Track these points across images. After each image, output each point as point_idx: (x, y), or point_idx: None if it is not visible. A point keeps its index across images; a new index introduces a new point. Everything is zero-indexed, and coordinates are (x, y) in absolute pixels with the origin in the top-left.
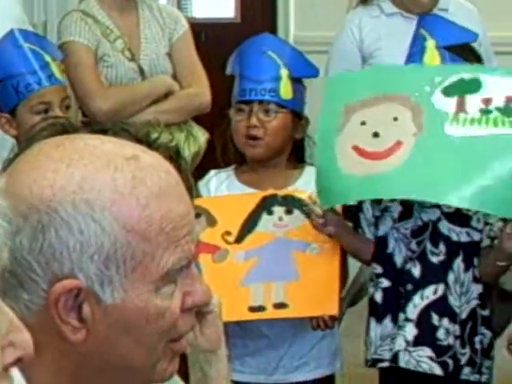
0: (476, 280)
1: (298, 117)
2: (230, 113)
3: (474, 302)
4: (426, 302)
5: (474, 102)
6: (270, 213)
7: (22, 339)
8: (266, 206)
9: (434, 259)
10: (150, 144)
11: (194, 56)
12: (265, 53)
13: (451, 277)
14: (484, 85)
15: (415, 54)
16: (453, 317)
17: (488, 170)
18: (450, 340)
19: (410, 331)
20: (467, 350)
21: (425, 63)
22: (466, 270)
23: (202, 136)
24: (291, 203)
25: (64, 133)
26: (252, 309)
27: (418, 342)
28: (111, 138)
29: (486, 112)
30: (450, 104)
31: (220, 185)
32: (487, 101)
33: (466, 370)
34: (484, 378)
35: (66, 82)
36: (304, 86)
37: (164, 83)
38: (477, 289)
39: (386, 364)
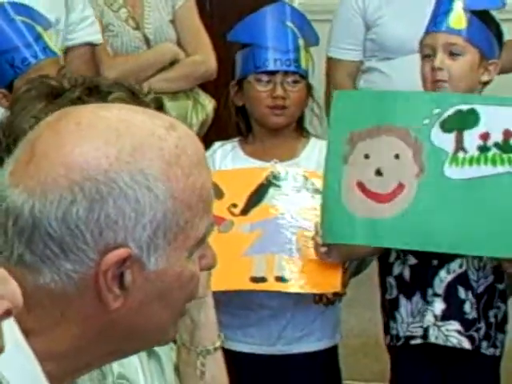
0: None
1: (309, 86)
2: (248, 88)
3: (491, 277)
4: (452, 275)
5: (471, 139)
6: (278, 187)
7: (9, 291)
8: (274, 180)
9: None
10: (144, 94)
11: (197, 23)
12: (283, 22)
13: None
14: (481, 117)
15: (441, 14)
16: (472, 291)
17: (491, 214)
18: (474, 313)
19: (438, 306)
20: (482, 324)
21: (449, 25)
22: None
23: (209, 104)
24: (300, 182)
25: (52, 93)
26: (253, 279)
27: (446, 316)
28: (138, 108)
29: (484, 149)
30: (448, 141)
31: (225, 157)
32: (485, 136)
33: (484, 344)
34: (498, 351)
35: (59, 53)
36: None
37: (169, 51)
38: (492, 262)
39: (418, 341)
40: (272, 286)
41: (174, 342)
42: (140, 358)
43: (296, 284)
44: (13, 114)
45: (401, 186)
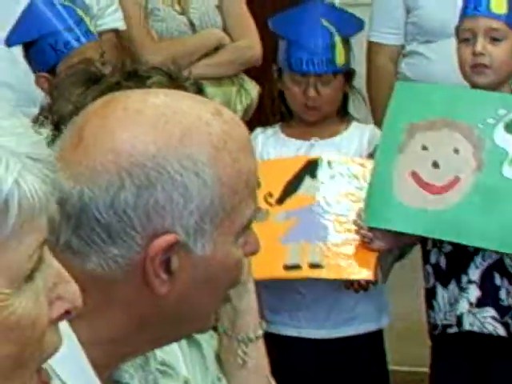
0: None
1: (349, 73)
2: (285, 81)
3: None
4: (488, 261)
5: None
6: (314, 176)
7: (70, 291)
8: (310, 169)
9: None
10: (184, 79)
11: (243, 8)
12: (319, 21)
13: None
14: None
15: None
16: (509, 277)
17: None
18: (510, 300)
19: (473, 293)
20: None
21: (490, 9)
22: None
23: (253, 89)
24: (335, 169)
25: (91, 79)
26: (287, 267)
27: (481, 303)
28: (184, 93)
29: None
30: (510, 142)
31: (266, 140)
32: None
33: None
34: None
35: (98, 37)
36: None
37: (215, 36)
38: None
39: (454, 329)
40: (305, 272)
41: (215, 329)
42: (181, 346)
43: (330, 270)
44: (52, 99)
45: (456, 180)
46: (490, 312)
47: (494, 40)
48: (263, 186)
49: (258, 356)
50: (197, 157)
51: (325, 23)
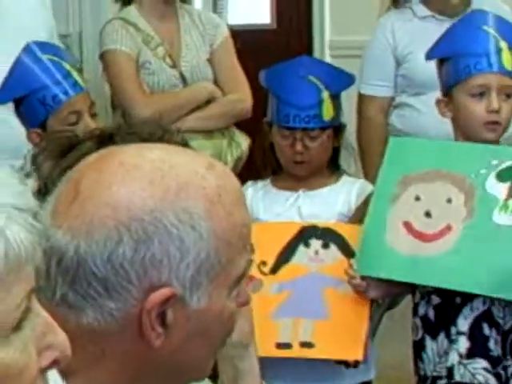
0: None
1: (338, 128)
2: (274, 134)
3: None
4: (475, 313)
5: None
6: (307, 245)
7: (58, 340)
8: (303, 237)
9: None
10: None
11: (234, 62)
12: (305, 78)
13: None
14: None
15: (492, 53)
16: (497, 328)
17: None
18: (499, 351)
19: (463, 344)
20: (510, 362)
21: (503, 66)
22: None
23: (244, 141)
24: (329, 237)
25: (70, 145)
26: (279, 345)
27: (471, 354)
28: (178, 148)
29: None
30: (501, 190)
31: (256, 193)
32: None
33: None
34: None
35: (86, 89)
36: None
37: (206, 90)
38: None
39: (444, 381)
40: (297, 352)
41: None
42: None
43: (321, 349)
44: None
45: (448, 228)
46: (481, 363)
47: (507, 96)
48: (257, 254)
49: None
50: (192, 210)
51: (312, 79)
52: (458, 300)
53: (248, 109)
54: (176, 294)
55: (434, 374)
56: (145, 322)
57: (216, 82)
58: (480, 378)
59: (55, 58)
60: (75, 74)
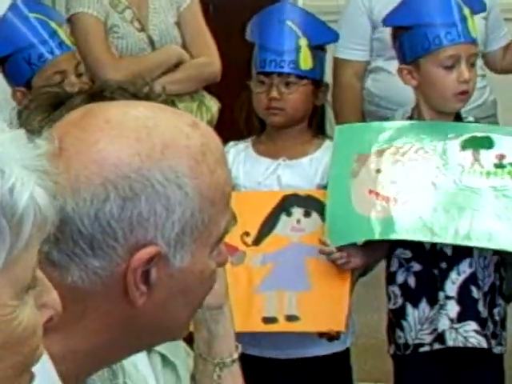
0: (495, 252)
1: (318, 84)
2: (251, 83)
3: (494, 275)
4: (463, 276)
5: (487, 157)
6: (289, 214)
7: (53, 298)
8: (285, 206)
9: None
10: (153, 98)
11: (202, 25)
12: (283, 22)
13: (476, 250)
14: (496, 142)
15: (459, 23)
16: (481, 290)
17: (500, 213)
18: (486, 313)
19: (453, 308)
20: (490, 323)
21: (470, 35)
22: None
23: (214, 105)
24: (311, 204)
25: (55, 102)
26: (265, 320)
27: (462, 317)
28: (162, 105)
29: (500, 166)
30: (465, 157)
31: (237, 155)
32: (501, 157)
33: (493, 342)
34: (504, 349)
35: (75, 48)
36: (324, 51)
37: (174, 53)
38: (493, 260)
39: (427, 348)
40: (283, 326)
41: (191, 346)
42: (155, 367)
43: (306, 322)
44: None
45: (415, 190)
46: (473, 325)
47: (472, 65)
48: (239, 224)
49: (232, 380)
50: (178, 168)
51: (290, 25)
52: (444, 265)
53: (216, 72)
54: (161, 252)
55: (416, 341)
56: (129, 281)
57: (184, 46)
58: (473, 340)
59: (42, 17)
60: (62, 33)
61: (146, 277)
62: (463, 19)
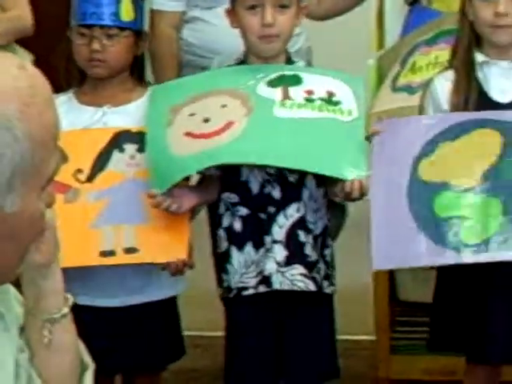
0: (326, 195)
1: (139, 34)
2: (71, 35)
3: (326, 217)
4: (290, 220)
5: (297, 93)
6: (122, 150)
7: None
8: (117, 143)
9: (291, 178)
10: None
11: None
12: None
13: (306, 194)
14: (304, 79)
15: None
16: (311, 233)
17: (310, 136)
18: (315, 256)
19: (280, 252)
20: (322, 265)
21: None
22: (318, 186)
23: (27, 58)
24: (144, 140)
25: None
26: (103, 253)
27: (289, 261)
28: None
29: (310, 100)
30: (275, 93)
31: (60, 107)
32: (310, 92)
33: (325, 283)
34: (334, 289)
35: None
36: (144, 0)
37: None
38: (325, 203)
39: (251, 291)
40: (122, 258)
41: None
42: None
43: (145, 253)
44: None
45: (230, 123)
46: (299, 269)
47: (283, 7)
48: (71, 161)
49: (64, 335)
50: (7, 112)
51: None
52: (272, 209)
53: (28, 26)
54: None
55: (240, 285)
56: None
57: None
58: (300, 284)
59: None
60: None
61: None
62: None
